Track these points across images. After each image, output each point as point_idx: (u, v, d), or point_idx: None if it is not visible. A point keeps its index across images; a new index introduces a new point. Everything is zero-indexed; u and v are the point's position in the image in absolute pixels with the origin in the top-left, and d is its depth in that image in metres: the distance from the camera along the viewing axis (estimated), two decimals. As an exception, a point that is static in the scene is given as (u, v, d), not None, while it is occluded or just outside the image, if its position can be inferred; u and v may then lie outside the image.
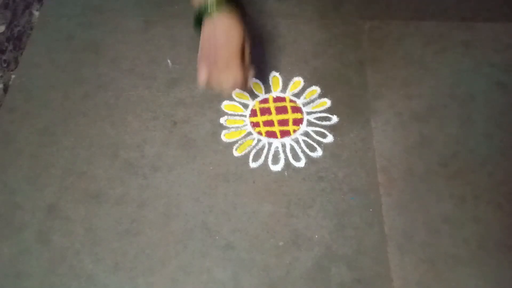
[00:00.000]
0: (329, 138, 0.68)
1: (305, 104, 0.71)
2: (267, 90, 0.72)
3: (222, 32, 0.57)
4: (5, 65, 0.74)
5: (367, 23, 0.79)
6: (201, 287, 0.57)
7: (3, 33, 0.75)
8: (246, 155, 0.66)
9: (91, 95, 0.72)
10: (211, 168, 0.65)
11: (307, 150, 0.67)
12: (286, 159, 0.66)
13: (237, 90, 0.71)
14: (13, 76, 0.75)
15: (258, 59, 0.75)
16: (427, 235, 0.60)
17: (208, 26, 0.58)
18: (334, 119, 0.69)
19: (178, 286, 0.57)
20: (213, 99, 0.71)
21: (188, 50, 0.76)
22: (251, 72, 0.62)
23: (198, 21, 0.59)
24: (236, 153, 0.66)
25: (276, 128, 0.68)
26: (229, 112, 0.70)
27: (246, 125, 0.69)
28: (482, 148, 0.67)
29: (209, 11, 0.57)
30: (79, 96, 0.72)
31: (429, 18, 0.80)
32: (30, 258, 0.59)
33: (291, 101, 0.71)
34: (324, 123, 0.69)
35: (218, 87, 0.60)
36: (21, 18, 0.78)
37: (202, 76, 0.59)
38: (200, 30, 0.59)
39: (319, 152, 0.66)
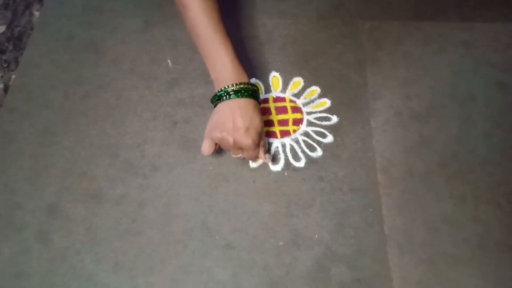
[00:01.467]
0: (329, 138, 0.68)
1: (305, 104, 0.71)
2: (267, 90, 0.72)
3: (243, 116, 0.57)
4: (5, 65, 0.74)
5: (367, 23, 0.79)
6: (201, 287, 0.57)
7: (3, 33, 0.75)
8: (246, 155, 0.66)
9: (91, 95, 0.72)
10: (211, 168, 0.65)
11: (307, 150, 0.67)
12: (286, 159, 0.66)
13: None
14: (13, 76, 0.75)
15: (258, 59, 0.75)
16: (427, 235, 0.60)
17: (228, 106, 0.57)
18: (334, 119, 0.69)
19: (178, 286, 0.57)
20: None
21: (188, 50, 0.76)
22: (267, 153, 0.63)
23: (219, 98, 0.58)
24: (236, 153, 0.66)
25: (276, 128, 0.68)
26: (229, 112, 0.70)
27: (246, 125, 0.69)
28: (482, 148, 0.67)
29: (230, 95, 0.57)
30: (79, 96, 0.72)
31: (429, 18, 0.80)
32: (30, 258, 0.59)
33: (291, 101, 0.71)
34: (324, 123, 0.69)
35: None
36: (21, 18, 0.79)
37: (209, 149, 0.59)
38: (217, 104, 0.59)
39: (319, 152, 0.66)
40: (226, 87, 0.57)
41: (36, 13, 0.82)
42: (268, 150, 0.66)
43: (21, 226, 0.61)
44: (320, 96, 0.72)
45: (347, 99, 0.71)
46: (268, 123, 0.69)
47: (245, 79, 0.59)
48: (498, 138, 0.67)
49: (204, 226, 0.61)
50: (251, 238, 0.60)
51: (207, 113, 0.70)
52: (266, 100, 0.71)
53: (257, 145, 0.59)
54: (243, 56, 0.75)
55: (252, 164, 0.65)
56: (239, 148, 0.58)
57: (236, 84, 0.57)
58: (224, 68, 0.58)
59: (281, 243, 0.60)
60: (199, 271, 0.58)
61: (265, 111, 0.70)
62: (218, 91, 0.58)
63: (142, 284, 0.57)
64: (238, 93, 0.57)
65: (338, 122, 0.69)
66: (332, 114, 0.70)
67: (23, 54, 0.77)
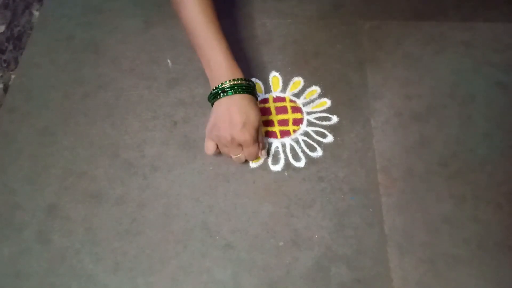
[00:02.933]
0: (329, 138, 0.68)
1: (305, 104, 0.71)
2: (267, 90, 0.72)
3: (240, 112, 0.57)
4: (5, 65, 0.74)
5: (367, 23, 0.79)
6: (201, 287, 0.57)
7: (3, 33, 0.74)
8: (246, 155, 0.66)
9: (91, 95, 0.72)
10: (211, 168, 0.65)
11: (307, 150, 0.67)
12: (286, 159, 0.66)
13: None
14: (13, 76, 0.75)
15: (258, 59, 0.75)
16: (427, 235, 0.60)
17: (224, 103, 0.58)
18: (334, 119, 0.69)
19: (178, 286, 0.57)
20: (213, 99, 0.71)
21: (188, 50, 0.76)
22: (264, 149, 0.64)
23: (215, 96, 0.59)
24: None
25: (276, 128, 0.68)
26: (229, 112, 0.70)
27: (246, 125, 0.69)
28: (482, 148, 0.67)
29: (226, 92, 0.58)
30: (79, 96, 0.72)
31: (429, 18, 0.80)
32: (30, 258, 0.59)
33: (291, 101, 0.71)
34: (324, 123, 0.69)
35: (229, 157, 0.62)
36: (21, 18, 0.78)
37: (211, 148, 0.61)
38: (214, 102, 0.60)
39: (319, 152, 0.66)
40: (221, 84, 0.58)
41: (36, 13, 0.82)
42: (268, 150, 0.66)
43: (21, 226, 0.61)
44: (320, 96, 0.72)
45: (347, 99, 0.71)
46: (268, 123, 0.69)
47: (239, 75, 0.60)
48: (498, 138, 0.67)
49: (204, 226, 0.61)
50: (251, 238, 0.60)
51: (207, 113, 0.70)
52: (266, 100, 0.71)
53: (256, 141, 0.60)
54: (243, 56, 0.76)
55: (252, 164, 0.65)
56: (238, 145, 0.59)
57: (230, 81, 0.58)
58: (218, 65, 0.59)
59: (281, 243, 0.60)
60: (199, 271, 0.58)
61: (265, 111, 0.70)
62: (213, 89, 0.59)
63: (142, 284, 0.57)
64: (233, 89, 0.58)
65: (338, 122, 0.69)
66: (332, 114, 0.70)
67: (23, 54, 0.77)
